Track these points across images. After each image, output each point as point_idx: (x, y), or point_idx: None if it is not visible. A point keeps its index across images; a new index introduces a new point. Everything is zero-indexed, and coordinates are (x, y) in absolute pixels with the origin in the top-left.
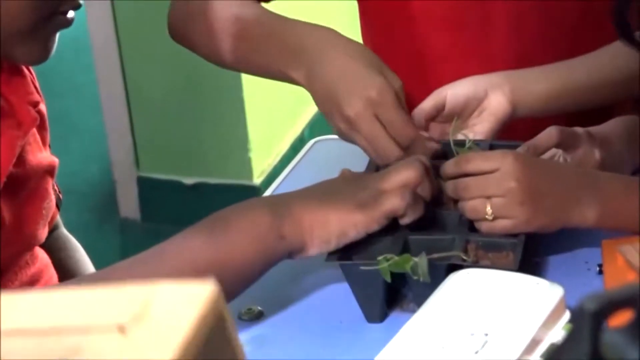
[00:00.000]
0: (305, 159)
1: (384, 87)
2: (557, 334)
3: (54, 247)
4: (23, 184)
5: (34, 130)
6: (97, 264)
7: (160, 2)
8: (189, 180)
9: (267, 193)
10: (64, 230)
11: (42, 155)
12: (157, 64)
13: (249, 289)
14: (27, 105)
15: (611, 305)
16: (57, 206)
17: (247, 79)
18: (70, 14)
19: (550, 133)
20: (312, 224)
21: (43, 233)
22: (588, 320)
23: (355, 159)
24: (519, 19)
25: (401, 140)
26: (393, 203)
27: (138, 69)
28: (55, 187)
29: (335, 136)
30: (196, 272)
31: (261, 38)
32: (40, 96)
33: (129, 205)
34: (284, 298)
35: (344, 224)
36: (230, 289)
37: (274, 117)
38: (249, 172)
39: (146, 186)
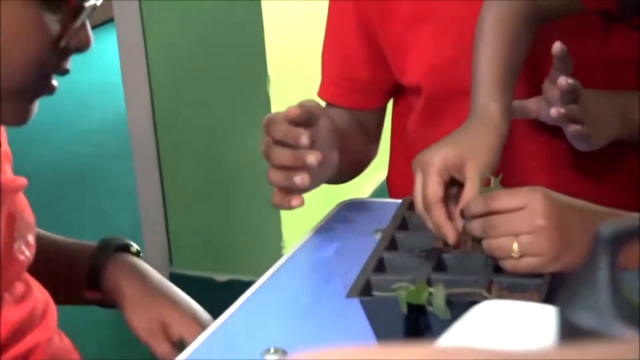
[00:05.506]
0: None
1: None
2: None
3: None
4: None
5: None
6: None
7: (198, 95)
8: (221, 277)
9: None
10: None
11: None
12: (193, 164)
13: (271, 329)
14: None
15: (627, 234)
16: None
17: None
18: (54, 82)
19: None
20: None
21: (26, 252)
22: (604, 248)
23: None
24: None
25: None
26: None
27: (174, 170)
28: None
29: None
30: None
31: None
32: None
33: None
34: (306, 336)
35: None
36: None
37: (307, 213)
38: None
39: (179, 283)
